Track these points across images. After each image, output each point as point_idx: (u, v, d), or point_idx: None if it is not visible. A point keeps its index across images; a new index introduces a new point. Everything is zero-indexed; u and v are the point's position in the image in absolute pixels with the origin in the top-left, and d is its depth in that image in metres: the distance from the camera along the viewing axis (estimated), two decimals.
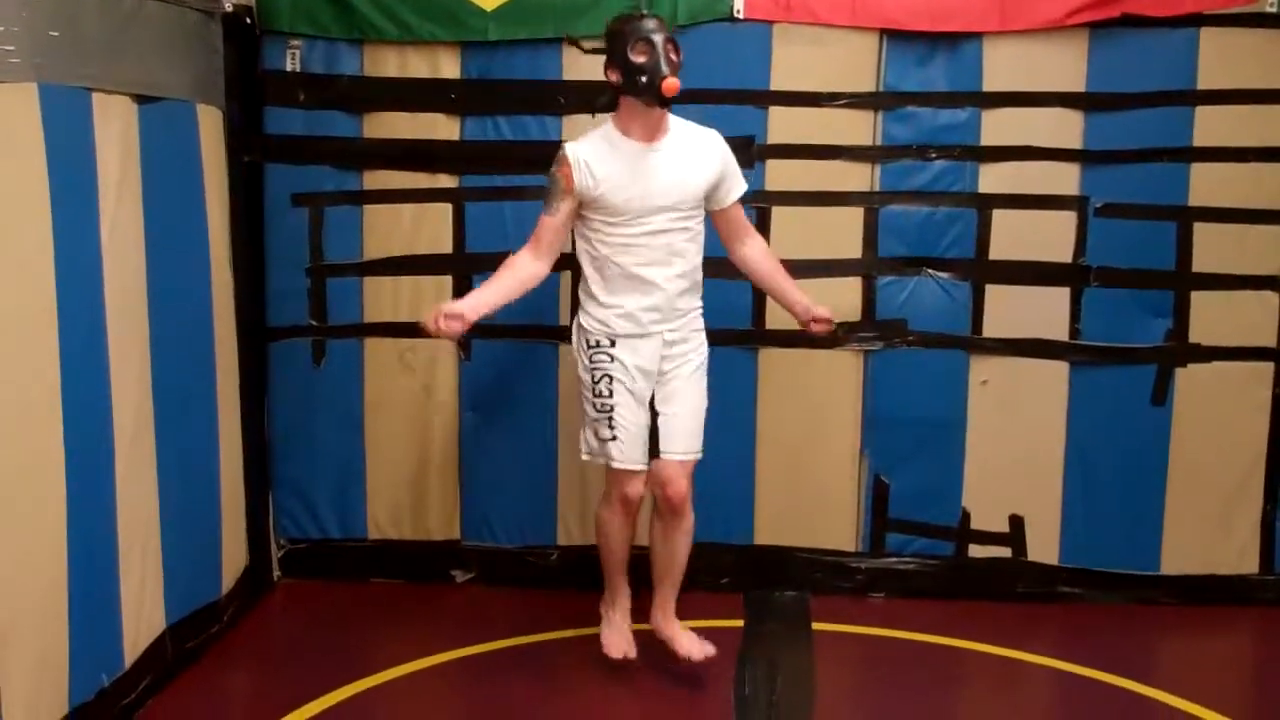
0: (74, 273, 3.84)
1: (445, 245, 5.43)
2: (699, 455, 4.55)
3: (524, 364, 5.46)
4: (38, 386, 3.71)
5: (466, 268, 5.33)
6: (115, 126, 4.14)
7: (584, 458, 4.63)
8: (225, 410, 5.07)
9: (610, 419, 4.43)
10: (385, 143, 5.40)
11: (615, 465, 4.47)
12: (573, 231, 4.50)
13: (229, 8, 5.06)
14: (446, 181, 5.42)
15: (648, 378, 4.45)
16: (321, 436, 5.59)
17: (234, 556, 5.18)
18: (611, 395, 4.42)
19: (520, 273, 4.43)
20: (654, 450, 4.48)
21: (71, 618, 3.86)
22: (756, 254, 4.67)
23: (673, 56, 4.21)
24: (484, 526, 5.63)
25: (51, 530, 3.78)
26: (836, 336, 5.03)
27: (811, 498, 5.50)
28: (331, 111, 5.40)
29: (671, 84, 4.15)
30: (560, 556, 5.59)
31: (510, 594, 5.53)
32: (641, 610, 4.75)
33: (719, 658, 4.68)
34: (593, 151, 4.33)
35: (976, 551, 5.52)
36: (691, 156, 4.41)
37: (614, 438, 4.44)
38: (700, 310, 4.57)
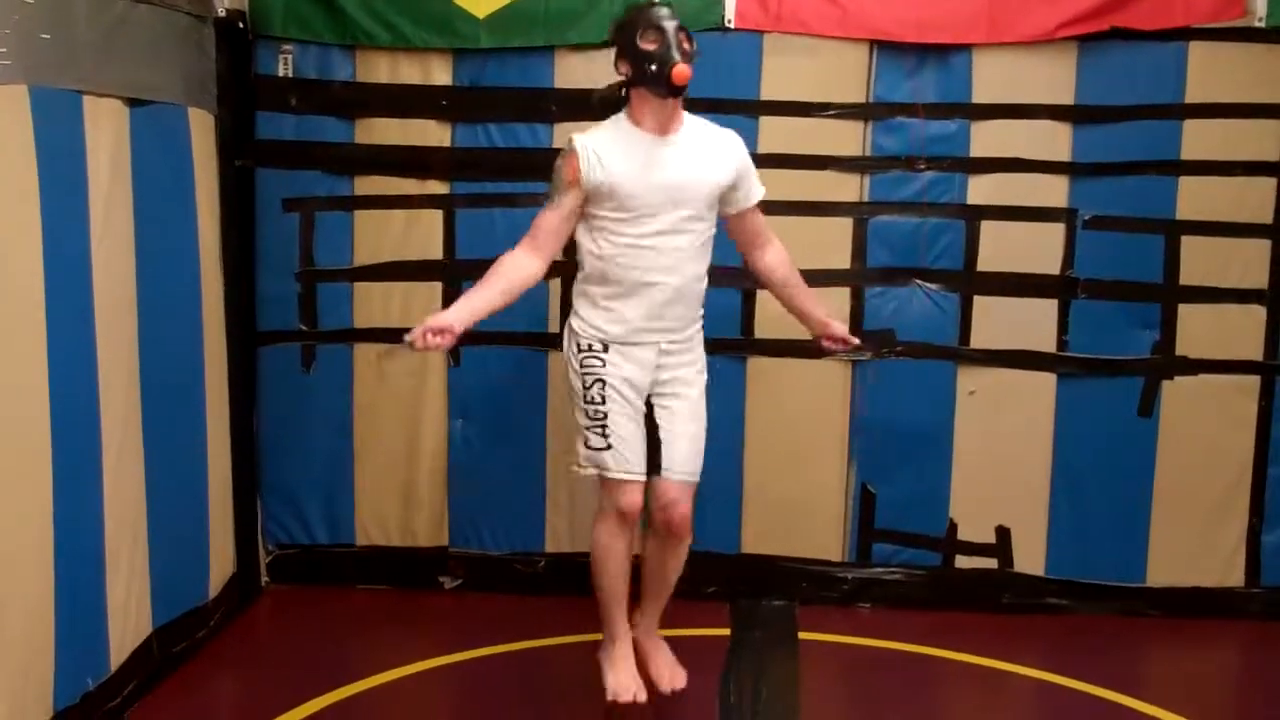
0: (63, 276, 3.84)
1: (436, 251, 5.44)
2: (697, 478, 4.37)
3: (513, 371, 5.47)
4: (25, 389, 3.71)
5: (457, 274, 5.33)
6: (106, 130, 4.14)
7: (577, 471, 4.32)
8: (214, 415, 5.07)
9: (604, 426, 4.19)
10: (376, 148, 5.42)
11: (610, 475, 4.21)
12: (575, 229, 4.28)
13: (221, 12, 5.07)
14: (437, 188, 5.43)
15: (638, 389, 4.24)
16: (310, 442, 5.59)
17: (222, 561, 5.18)
18: (604, 401, 4.19)
19: (512, 275, 4.19)
20: (654, 467, 4.28)
21: (57, 620, 3.86)
22: (776, 263, 4.51)
23: (685, 45, 4.04)
24: (472, 533, 5.63)
25: (38, 532, 3.78)
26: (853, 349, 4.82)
27: (799, 507, 5.51)
28: (323, 117, 5.41)
29: (682, 70, 3.97)
30: (548, 563, 5.60)
31: (498, 600, 5.52)
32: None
33: (705, 666, 4.69)
34: (603, 142, 4.12)
35: (963, 562, 5.53)
36: (707, 154, 4.22)
37: (608, 446, 4.19)
38: (700, 323, 4.39)
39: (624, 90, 4.19)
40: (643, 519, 4.38)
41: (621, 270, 4.16)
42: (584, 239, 4.25)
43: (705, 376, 4.41)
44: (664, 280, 4.17)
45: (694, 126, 4.25)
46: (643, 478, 4.26)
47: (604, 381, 4.20)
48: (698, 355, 4.38)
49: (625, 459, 4.21)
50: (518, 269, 4.20)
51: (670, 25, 4.02)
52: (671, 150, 4.15)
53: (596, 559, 4.34)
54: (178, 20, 4.72)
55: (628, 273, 4.16)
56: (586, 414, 4.23)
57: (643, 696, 4.35)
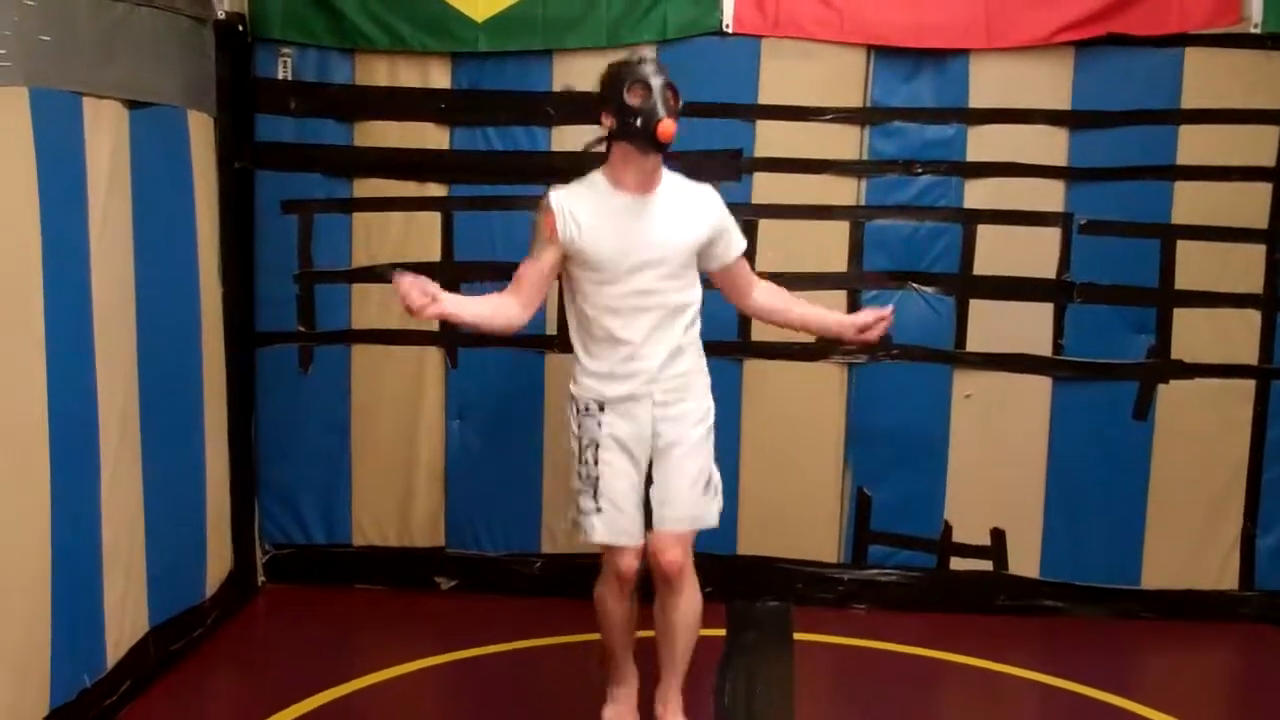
0: (62, 277, 3.86)
1: (434, 253, 5.46)
2: (697, 525, 4.18)
3: (511, 373, 5.48)
4: (24, 389, 3.73)
5: (455, 276, 5.34)
6: (106, 131, 4.16)
7: (568, 529, 4.26)
8: (212, 415, 5.09)
9: (595, 490, 4.06)
10: (375, 151, 5.44)
11: (602, 541, 4.09)
12: (562, 293, 4.22)
13: (221, 15, 5.10)
14: (435, 190, 5.45)
15: (641, 444, 4.08)
16: (308, 442, 5.61)
17: (219, 561, 5.20)
18: (597, 464, 4.05)
19: (503, 309, 4.10)
20: (649, 518, 4.12)
21: (54, 618, 3.88)
22: (764, 299, 4.37)
23: (670, 101, 3.90)
24: (468, 534, 5.65)
25: (36, 531, 3.80)
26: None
27: (794, 509, 5.53)
28: (322, 119, 5.43)
29: (667, 127, 3.83)
30: (544, 565, 5.61)
31: (494, 601, 5.54)
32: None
33: (701, 667, 4.68)
34: (578, 201, 4.01)
35: (958, 564, 5.54)
36: (684, 211, 4.08)
37: (598, 509, 4.06)
38: (700, 365, 4.21)
39: (605, 143, 4.06)
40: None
41: (605, 331, 4.04)
42: (569, 301, 4.17)
43: (708, 418, 4.23)
44: (645, 339, 4.04)
45: (671, 184, 4.11)
46: (635, 542, 4.10)
47: (598, 445, 4.07)
48: (698, 399, 4.20)
49: (615, 524, 4.08)
50: (505, 307, 4.11)
51: (657, 81, 3.90)
52: (649, 209, 4.03)
53: (600, 618, 4.29)
54: (178, 23, 4.73)
55: (612, 334, 4.04)
56: (579, 475, 4.11)
57: None
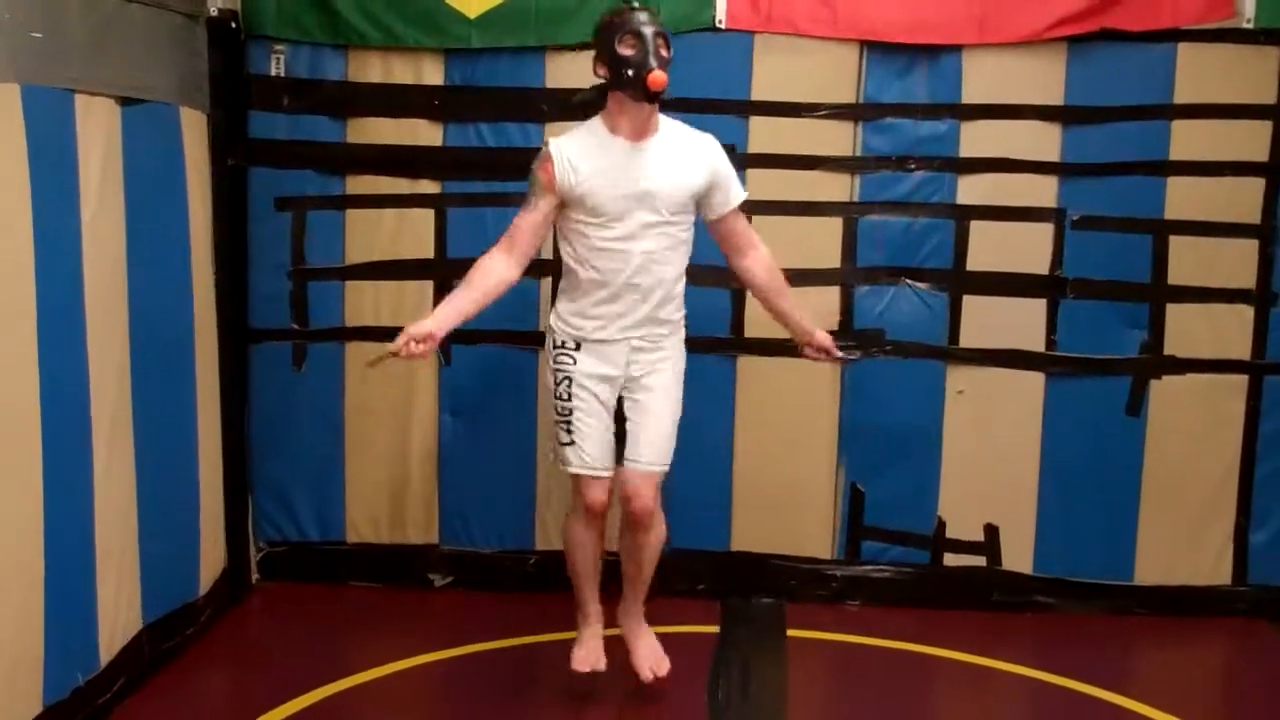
0: (54, 274, 3.85)
1: (427, 250, 5.46)
2: (665, 468, 4.39)
3: (503, 369, 5.48)
4: (16, 385, 3.72)
5: (448, 273, 5.34)
6: (98, 128, 4.15)
7: (549, 460, 4.59)
8: (205, 412, 5.09)
9: (569, 424, 4.32)
10: (368, 148, 5.43)
11: (572, 470, 4.36)
12: (554, 232, 4.38)
13: (214, 11, 5.09)
14: (429, 187, 5.45)
15: (612, 384, 4.32)
16: (301, 440, 5.61)
17: (212, 558, 5.19)
18: (570, 399, 4.30)
19: (490, 278, 4.23)
20: (619, 456, 4.36)
21: (47, 616, 3.87)
22: (758, 269, 4.50)
23: (662, 52, 4.05)
24: (462, 531, 5.65)
25: (28, 528, 3.79)
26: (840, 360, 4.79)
27: (788, 505, 5.53)
28: (315, 116, 5.42)
29: (658, 77, 3.99)
30: (538, 561, 5.61)
31: (488, 598, 5.53)
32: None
33: (694, 663, 4.71)
34: (577, 146, 4.18)
35: (951, 560, 5.55)
36: (681, 158, 4.23)
37: (571, 442, 4.32)
38: (681, 320, 4.43)
39: (602, 93, 4.22)
40: None
41: (594, 272, 4.22)
42: (562, 241, 4.34)
43: (681, 366, 4.43)
44: (635, 282, 4.21)
45: (670, 130, 4.27)
46: (605, 473, 4.36)
47: (572, 380, 4.30)
48: (672, 348, 4.40)
49: (586, 456, 4.32)
50: (493, 274, 4.23)
51: (649, 31, 4.04)
52: (645, 156, 4.17)
53: (568, 551, 4.57)
54: (170, 19, 4.73)
55: (599, 274, 4.21)
56: (555, 409, 4.36)
57: (601, 667, 4.55)
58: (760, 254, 4.51)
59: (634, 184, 4.15)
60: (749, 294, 4.91)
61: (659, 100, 4.11)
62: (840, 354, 4.65)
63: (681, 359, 4.44)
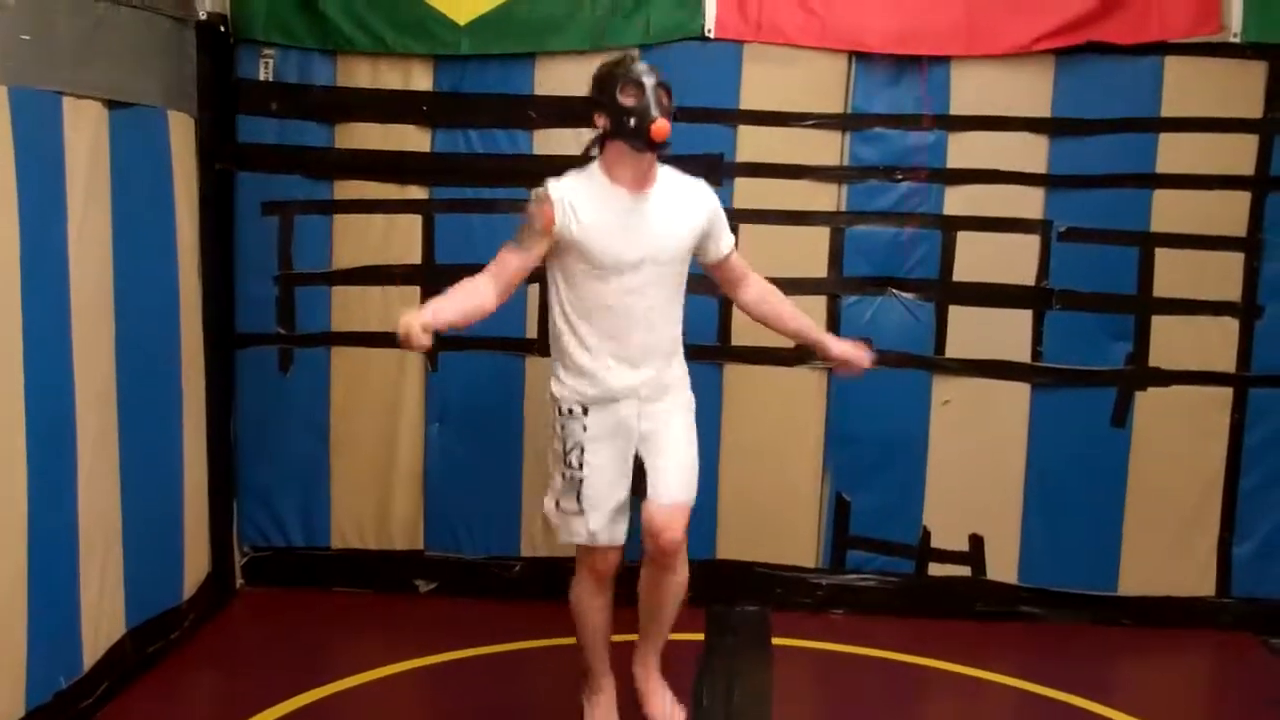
0: (40, 277, 3.85)
1: (414, 256, 5.46)
2: (691, 499, 4.21)
3: (490, 376, 5.48)
4: (1, 389, 3.72)
5: (435, 279, 5.33)
6: (85, 131, 4.16)
7: (551, 522, 4.27)
8: (190, 416, 5.08)
9: (579, 493, 4.07)
10: (356, 153, 5.43)
11: (579, 543, 4.14)
12: (548, 289, 4.20)
13: (203, 15, 5.10)
14: (417, 193, 5.45)
15: (628, 438, 4.12)
16: (287, 445, 5.60)
17: (196, 563, 5.19)
18: (582, 468, 4.07)
19: (473, 298, 4.00)
20: (641, 492, 4.14)
21: (30, 619, 3.87)
22: (758, 298, 4.40)
23: (664, 100, 3.95)
24: (448, 537, 5.64)
25: (11, 531, 3.79)
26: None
27: (773, 514, 5.53)
28: (304, 121, 5.42)
29: (661, 127, 3.87)
30: (524, 568, 5.61)
31: (473, 604, 5.53)
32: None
33: (679, 671, 4.70)
34: (578, 194, 4.00)
35: (936, 570, 5.55)
36: (679, 207, 4.12)
37: (581, 512, 4.08)
38: (685, 369, 4.30)
39: (600, 143, 4.08)
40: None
41: (594, 330, 4.06)
42: (554, 297, 4.14)
43: (693, 406, 4.30)
44: (636, 336, 4.07)
45: (667, 179, 4.15)
46: (617, 543, 4.16)
47: (584, 447, 4.09)
48: (680, 390, 4.27)
49: (596, 529, 4.10)
50: (478, 294, 4.02)
51: (649, 81, 3.94)
52: (647, 207, 4.05)
53: (575, 616, 4.31)
54: (159, 23, 4.73)
55: (601, 330, 4.06)
56: (563, 476, 4.13)
57: None
58: (756, 283, 4.42)
59: (638, 235, 4.02)
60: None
61: (662, 151, 4.00)
62: (868, 363, 4.45)
63: (691, 404, 4.31)
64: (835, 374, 4.64)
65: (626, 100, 3.94)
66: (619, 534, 4.15)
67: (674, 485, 4.15)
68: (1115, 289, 5.34)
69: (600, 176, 4.06)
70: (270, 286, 5.50)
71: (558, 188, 4.02)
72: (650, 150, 3.98)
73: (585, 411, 4.09)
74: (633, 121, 3.92)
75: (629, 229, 4.01)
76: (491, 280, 4.04)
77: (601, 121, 4.02)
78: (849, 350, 4.42)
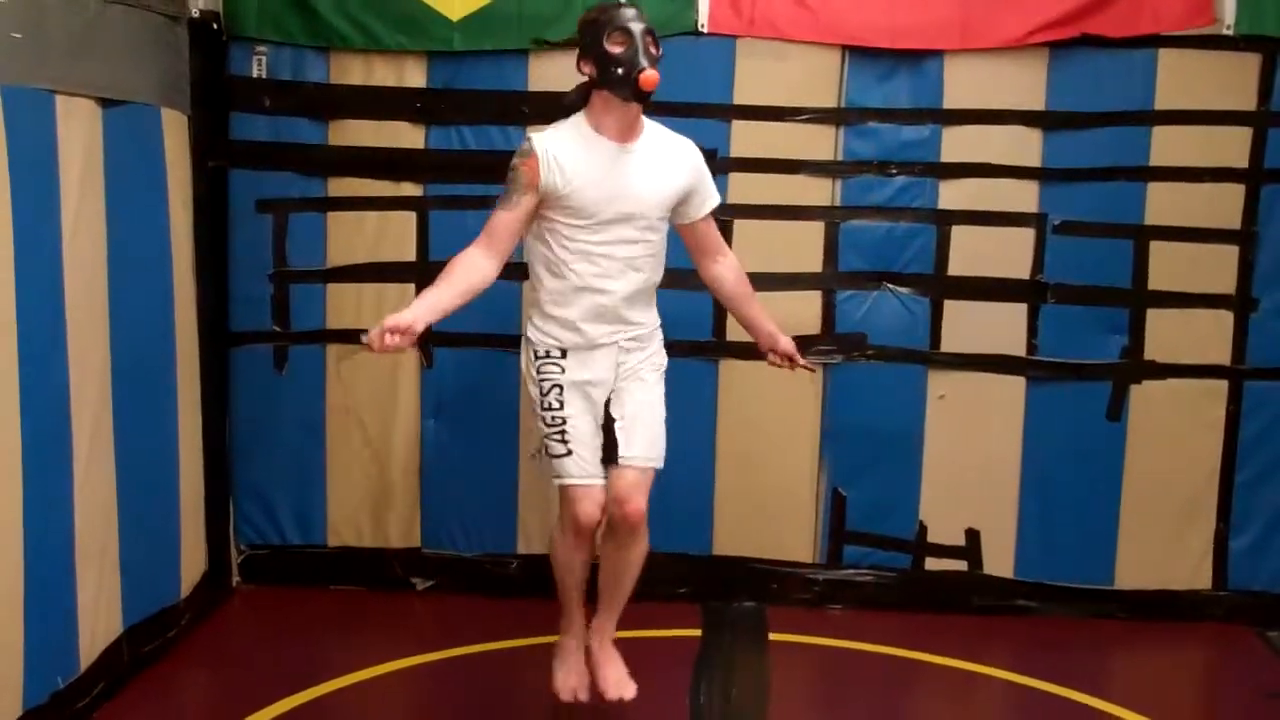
0: (34, 275, 3.84)
1: (409, 253, 5.45)
2: (659, 464, 4.21)
3: (486, 372, 5.47)
4: None
5: (430, 276, 5.30)
6: (78, 129, 4.14)
7: (535, 462, 4.33)
8: (186, 415, 5.07)
9: (564, 432, 4.07)
10: (350, 150, 5.42)
11: (571, 482, 4.10)
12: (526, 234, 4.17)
13: (195, 13, 5.08)
14: (411, 189, 5.45)
15: (602, 388, 4.13)
16: (282, 442, 5.60)
17: (193, 561, 5.18)
18: (563, 407, 4.08)
19: (471, 276, 3.98)
20: (611, 457, 4.12)
21: (27, 619, 3.86)
22: (727, 275, 4.41)
23: (652, 49, 3.89)
24: (444, 534, 5.64)
25: (7, 531, 3.78)
26: (798, 368, 4.58)
27: (770, 509, 5.53)
28: (297, 118, 5.41)
29: (650, 76, 3.83)
30: (520, 565, 5.60)
31: (470, 602, 5.53)
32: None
33: (675, 667, 4.70)
34: (562, 146, 3.97)
35: (933, 564, 5.56)
36: (665, 162, 4.10)
37: (569, 452, 4.08)
38: (658, 324, 4.30)
39: (585, 91, 4.05)
40: None
41: (575, 277, 4.05)
42: (536, 243, 4.14)
43: (662, 362, 4.29)
44: (617, 288, 4.07)
45: (653, 134, 4.13)
46: (600, 482, 4.13)
47: (562, 387, 4.10)
48: (655, 348, 4.28)
49: (584, 464, 4.10)
50: (475, 270, 4.00)
51: (638, 28, 3.89)
52: (631, 159, 4.03)
53: (555, 567, 4.35)
54: (151, 21, 4.72)
55: (581, 280, 4.05)
56: (545, 420, 4.12)
57: (584, 696, 4.37)
58: (730, 259, 4.44)
59: (623, 188, 4.01)
60: None
61: (648, 100, 3.97)
62: (804, 362, 4.53)
63: (663, 358, 4.31)
64: (769, 364, 4.58)
65: (614, 48, 3.89)
66: (600, 472, 4.12)
67: (642, 448, 4.15)
68: (1110, 282, 5.35)
69: (585, 127, 4.03)
70: (265, 284, 5.49)
71: (541, 141, 3.99)
72: (638, 101, 3.94)
73: (564, 355, 4.11)
74: (620, 70, 3.87)
75: (613, 181, 4.00)
76: (485, 249, 4.01)
77: (588, 69, 3.99)
78: (791, 348, 4.47)
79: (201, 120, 5.19)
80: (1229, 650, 5.35)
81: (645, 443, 4.16)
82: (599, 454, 4.14)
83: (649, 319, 4.25)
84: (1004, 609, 5.54)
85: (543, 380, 4.13)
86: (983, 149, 5.31)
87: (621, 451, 4.12)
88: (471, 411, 5.53)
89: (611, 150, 4.02)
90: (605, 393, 4.16)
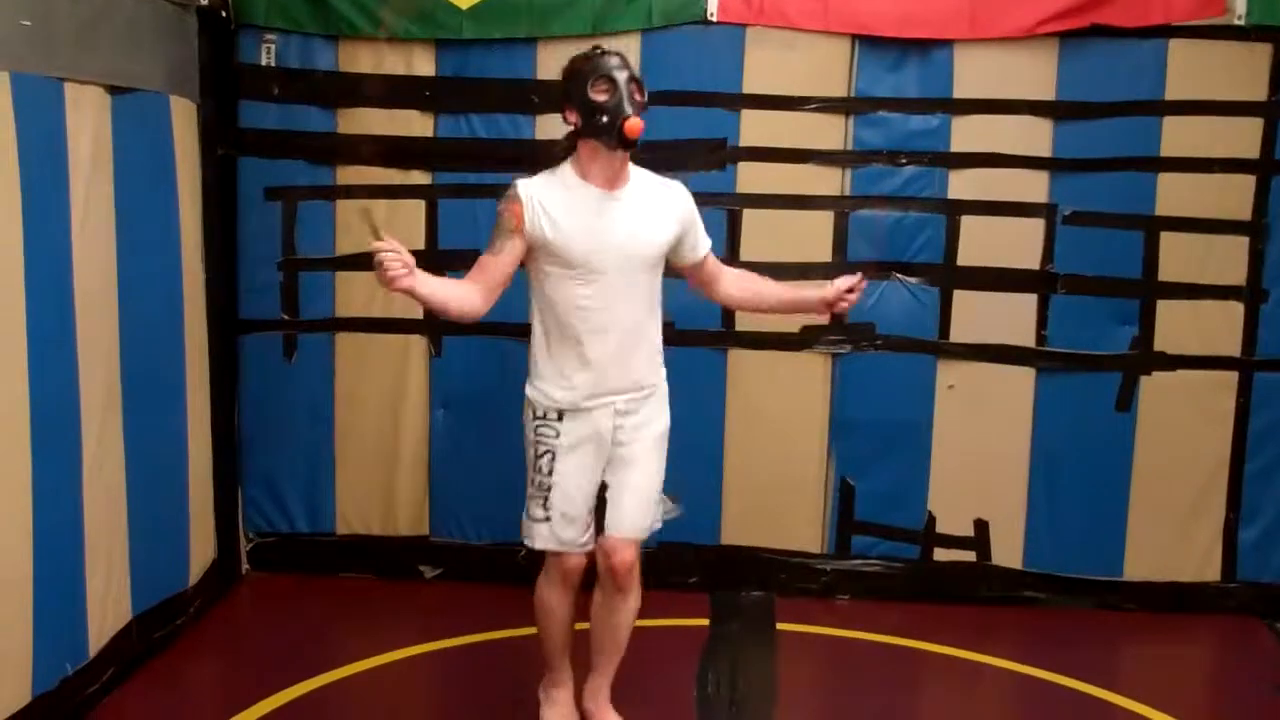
0: (43, 263, 3.85)
1: (418, 241, 5.44)
2: (647, 534, 4.12)
3: (495, 362, 5.46)
4: (5, 376, 3.72)
5: (439, 264, 5.31)
6: (87, 117, 4.15)
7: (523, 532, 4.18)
8: (195, 403, 5.08)
9: (546, 499, 4.00)
10: (359, 138, 5.42)
11: (541, 546, 4.06)
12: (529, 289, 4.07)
13: (204, 0, 5.07)
14: (420, 178, 5.45)
15: (600, 447, 4.01)
16: (291, 431, 5.61)
17: (202, 549, 5.19)
18: (551, 474, 3.99)
19: (466, 300, 3.88)
20: (599, 520, 4.06)
21: (36, 606, 3.87)
22: (732, 291, 4.30)
23: (636, 96, 3.81)
24: (453, 523, 5.65)
25: (17, 519, 3.79)
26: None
27: (778, 499, 5.53)
28: (306, 106, 5.41)
29: (634, 124, 3.74)
30: (528, 554, 5.55)
31: (478, 590, 5.53)
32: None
33: (683, 656, 4.70)
34: (548, 192, 3.88)
35: (941, 555, 5.56)
36: (654, 208, 3.98)
37: (546, 518, 4.00)
38: (663, 382, 4.13)
39: (571, 139, 3.95)
40: None
41: (569, 332, 3.94)
42: (531, 294, 4.06)
43: (665, 426, 4.13)
44: (612, 338, 3.94)
45: (641, 180, 4.01)
46: (581, 550, 4.07)
47: (555, 454, 4.00)
48: (659, 410, 4.12)
49: (560, 536, 4.03)
50: (468, 297, 3.90)
51: (622, 76, 3.80)
52: (619, 207, 3.92)
53: (540, 615, 4.25)
54: (160, 8, 4.72)
55: (575, 336, 3.93)
56: (532, 483, 4.07)
57: None
58: (729, 275, 4.32)
59: (611, 236, 3.89)
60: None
61: (634, 148, 3.86)
62: (853, 281, 4.14)
63: (666, 420, 4.14)
64: (837, 313, 4.36)
65: (598, 96, 3.80)
66: (585, 541, 4.07)
67: (631, 519, 4.05)
68: (1120, 273, 5.34)
69: (571, 175, 3.94)
70: (274, 272, 5.50)
71: (526, 186, 3.90)
72: (624, 148, 3.84)
73: (560, 418, 3.99)
74: (605, 119, 3.78)
75: (601, 229, 3.89)
76: (474, 285, 3.93)
77: (572, 118, 3.89)
78: (840, 286, 4.15)
79: (210, 108, 5.20)
80: (1238, 642, 5.34)
81: (634, 515, 4.07)
82: (587, 515, 4.07)
83: (649, 378, 4.09)
84: (1012, 600, 5.54)
85: (538, 441, 4.04)
86: (992, 139, 5.30)
87: (608, 520, 4.06)
88: (480, 400, 5.53)
89: (598, 198, 3.91)
90: (604, 452, 4.04)
